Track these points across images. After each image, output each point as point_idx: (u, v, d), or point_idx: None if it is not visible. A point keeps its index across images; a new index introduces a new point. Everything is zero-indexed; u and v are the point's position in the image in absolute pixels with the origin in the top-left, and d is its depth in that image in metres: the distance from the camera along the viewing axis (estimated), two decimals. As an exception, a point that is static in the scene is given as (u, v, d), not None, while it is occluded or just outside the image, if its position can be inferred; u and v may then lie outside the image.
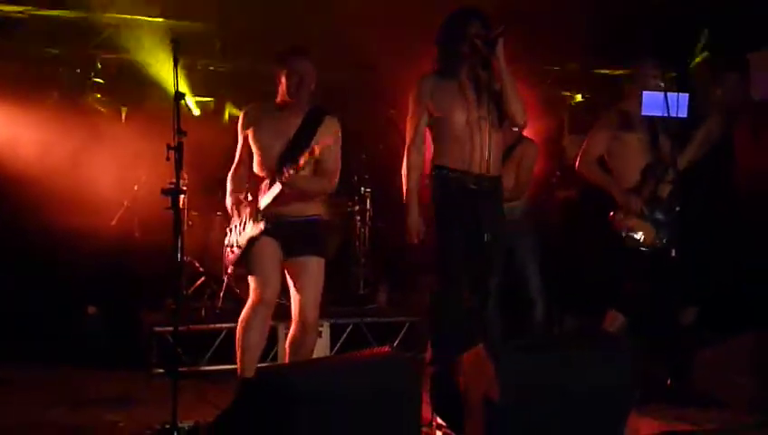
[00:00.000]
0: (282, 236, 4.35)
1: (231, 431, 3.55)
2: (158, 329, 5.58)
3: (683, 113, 4.96)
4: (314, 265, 4.47)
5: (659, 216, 5.00)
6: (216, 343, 5.71)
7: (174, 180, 3.94)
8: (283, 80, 4.36)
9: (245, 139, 4.45)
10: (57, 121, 6.57)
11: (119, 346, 5.94)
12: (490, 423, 3.55)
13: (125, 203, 6.57)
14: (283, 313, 6.00)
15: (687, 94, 4.99)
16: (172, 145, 3.89)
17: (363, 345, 6.00)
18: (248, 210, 4.37)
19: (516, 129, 5.04)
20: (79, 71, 7.03)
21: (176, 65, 3.97)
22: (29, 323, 5.97)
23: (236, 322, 5.53)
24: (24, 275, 6.31)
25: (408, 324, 6.21)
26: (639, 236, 4.98)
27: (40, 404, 4.67)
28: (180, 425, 3.86)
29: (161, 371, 5.43)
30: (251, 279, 4.39)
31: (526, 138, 5.89)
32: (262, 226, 4.28)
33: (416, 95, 4.38)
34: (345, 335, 6.05)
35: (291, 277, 4.44)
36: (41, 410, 4.55)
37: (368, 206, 6.87)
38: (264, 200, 4.29)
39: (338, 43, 6.45)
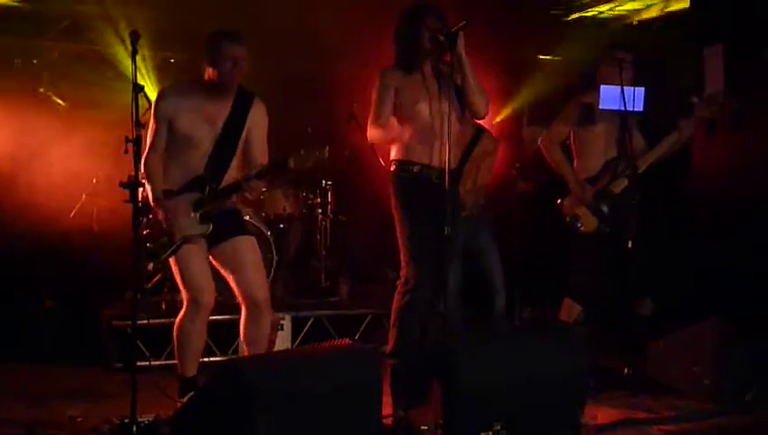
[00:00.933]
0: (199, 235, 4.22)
1: (190, 427, 3.54)
2: (116, 323, 5.53)
3: (639, 107, 5.04)
4: (246, 243, 4.33)
5: (605, 208, 5.08)
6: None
7: (133, 173, 3.89)
8: (214, 64, 4.11)
9: (165, 125, 4.18)
10: (14, 113, 6.48)
11: (77, 341, 5.88)
12: (450, 414, 3.60)
13: (83, 196, 6.50)
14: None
15: (643, 88, 5.06)
16: (131, 138, 3.83)
17: (325, 338, 5.99)
18: (181, 206, 4.15)
19: (476, 120, 5.06)
20: (35, 61, 6.95)
21: (134, 57, 3.91)
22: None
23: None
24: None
25: (369, 317, 6.22)
26: (580, 224, 5.11)
27: (-1, 399, 4.62)
28: (140, 420, 3.83)
29: (120, 365, 5.39)
30: (182, 284, 4.23)
31: (485, 131, 5.93)
32: (209, 227, 4.17)
33: (381, 84, 4.35)
34: (307, 328, 6.04)
35: (223, 264, 4.27)
36: (0, 405, 4.49)
37: (329, 199, 6.86)
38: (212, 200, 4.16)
39: (300, 32, 6.45)
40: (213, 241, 4.24)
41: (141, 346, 5.38)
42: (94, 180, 6.47)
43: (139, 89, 3.91)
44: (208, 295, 4.24)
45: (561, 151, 5.24)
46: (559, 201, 5.22)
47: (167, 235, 4.15)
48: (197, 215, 4.16)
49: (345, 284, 6.65)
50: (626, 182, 5.08)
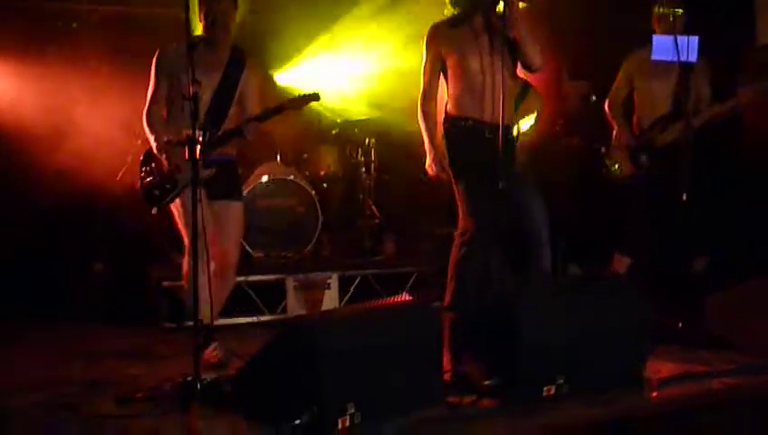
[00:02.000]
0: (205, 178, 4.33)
1: (253, 385, 3.55)
2: (166, 284, 5.56)
3: (693, 57, 4.94)
4: (236, 211, 4.59)
5: (644, 158, 5.25)
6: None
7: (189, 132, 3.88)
8: (203, 19, 4.43)
9: (166, 79, 4.44)
10: (58, 78, 6.47)
11: (127, 302, 5.94)
12: (515, 370, 3.59)
13: (129, 159, 6.50)
14: (291, 264, 6.07)
15: (697, 37, 4.96)
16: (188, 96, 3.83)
17: (372, 297, 5.99)
18: (183, 152, 4.10)
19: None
20: (76, 25, 6.93)
21: (187, 12, 3.88)
22: (37, 281, 5.97)
23: (245, 275, 5.63)
24: (29, 234, 6.28)
25: (415, 275, 6.22)
26: (616, 166, 5.31)
27: (55, 361, 4.66)
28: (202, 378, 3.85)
29: (172, 325, 5.43)
30: (183, 228, 4.41)
31: (531, 87, 5.86)
32: (211, 171, 4.34)
33: (427, 43, 4.36)
34: (353, 288, 6.06)
35: (206, 219, 4.30)
36: (57, 367, 4.53)
37: (372, 157, 6.82)
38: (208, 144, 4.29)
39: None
40: (209, 195, 4.37)
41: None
42: (139, 142, 6.46)
43: (192, 46, 3.88)
44: (208, 240, 4.27)
45: (620, 110, 5.47)
46: (603, 149, 5.31)
47: (170, 181, 4.35)
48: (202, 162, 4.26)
49: (390, 242, 6.64)
50: (672, 137, 5.14)
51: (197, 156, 3.93)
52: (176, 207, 4.43)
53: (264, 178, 6.25)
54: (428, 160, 4.43)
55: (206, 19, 4.43)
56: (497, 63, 4.20)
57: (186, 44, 3.89)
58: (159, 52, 4.48)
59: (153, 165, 4.44)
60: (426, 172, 4.46)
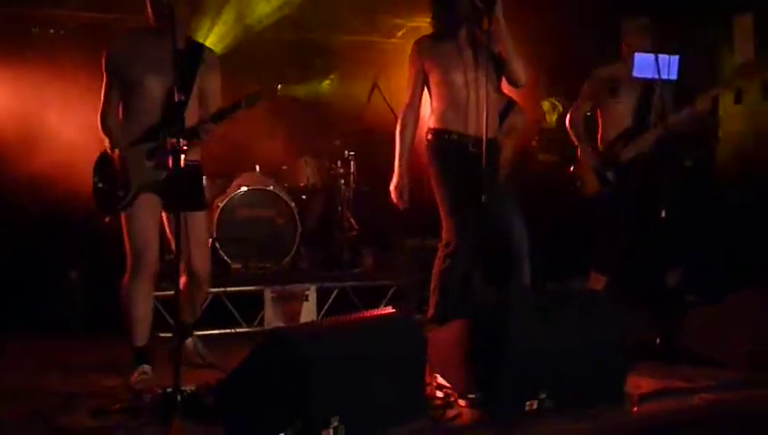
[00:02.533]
0: (161, 184, 4.10)
1: (235, 395, 3.51)
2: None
3: (673, 75, 5.02)
4: (200, 220, 4.32)
5: (609, 175, 5.23)
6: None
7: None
8: (149, 7, 4.12)
9: (116, 75, 4.15)
10: (35, 84, 6.43)
11: (103, 312, 5.84)
12: (493, 383, 3.58)
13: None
14: (270, 276, 6.02)
15: (678, 57, 5.02)
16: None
17: (350, 309, 5.98)
18: (136, 155, 4.07)
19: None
20: (53, 31, 6.86)
21: (173, 29, 3.79)
22: (12, 290, 5.86)
23: (222, 286, 5.59)
24: (4, 242, 6.18)
25: (394, 287, 6.20)
26: (579, 184, 5.34)
27: (29, 371, 4.57)
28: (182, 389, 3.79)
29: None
30: (127, 239, 4.14)
31: (515, 104, 5.88)
32: (163, 174, 4.04)
33: (412, 57, 4.37)
34: (331, 300, 6.03)
35: (172, 232, 4.15)
36: (31, 378, 4.44)
37: (352, 169, 6.81)
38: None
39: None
40: (170, 204, 4.14)
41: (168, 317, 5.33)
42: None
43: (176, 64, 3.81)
44: (152, 254, 4.15)
45: (582, 127, 5.42)
46: (571, 168, 5.33)
47: (122, 187, 4.09)
48: (153, 163, 4.08)
49: (369, 254, 6.63)
50: (633, 152, 5.17)
51: (170, 163, 3.78)
52: (124, 215, 4.15)
53: (243, 189, 6.23)
54: (393, 183, 4.42)
55: (152, 6, 4.11)
56: (481, 78, 4.23)
57: (173, 51, 3.77)
58: (107, 47, 4.18)
59: (107, 169, 4.16)
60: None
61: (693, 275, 5.58)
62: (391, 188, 4.44)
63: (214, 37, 6.90)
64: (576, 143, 5.41)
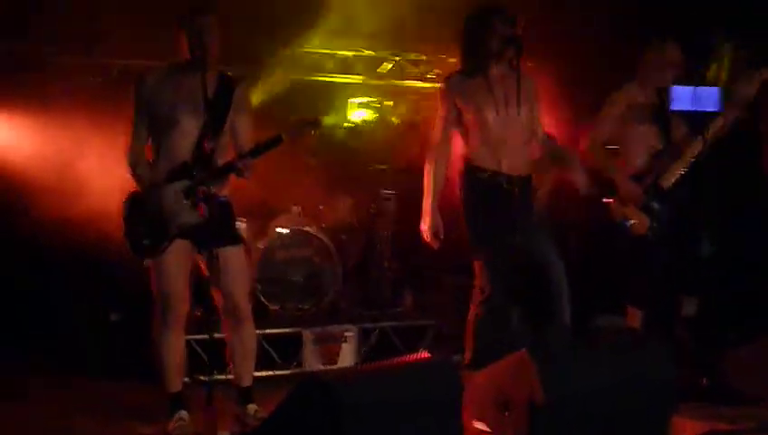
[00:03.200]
0: (195, 228, 3.97)
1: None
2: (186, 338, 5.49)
3: (713, 107, 4.90)
4: (236, 255, 4.18)
5: (656, 205, 4.94)
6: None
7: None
8: (186, 39, 4.04)
9: (145, 110, 4.09)
10: (74, 131, 6.49)
11: (143, 355, 5.87)
12: (534, 428, 3.50)
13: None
14: (308, 317, 6.00)
15: (717, 88, 4.92)
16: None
17: (390, 349, 5.94)
18: (172, 195, 3.99)
19: None
20: (94, 79, 6.97)
21: (204, 76, 3.86)
22: (50, 331, 5.94)
23: (261, 328, 5.56)
24: (42, 285, 6.26)
25: (434, 327, 6.14)
26: (631, 223, 4.94)
27: (65, 415, 4.59)
28: (218, 435, 3.79)
29: (188, 380, 5.35)
30: (155, 286, 4.09)
31: (550, 137, 5.82)
32: (205, 215, 3.88)
33: (443, 95, 4.36)
34: (371, 341, 5.99)
35: (210, 271, 4.05)
36: (67, 422, 4.47)
37: (391, 208, 6.79)
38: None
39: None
40: (200, 244, 4.05)
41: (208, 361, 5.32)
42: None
43: (208, 102, 3.86)
44: (180, 303, 4.10)
45: (604, 152, 5.09)
46: (606, 201, 5.08)
47: (160, 227, 4.02)
48: (189, 202, 3.98)
49: (409, 294, 6.58)
50: (675, 176, 4.93)
51: (202, 210, 3.81)
52: (153, 263, 4.08)
53: (282, 230, 6.24)
54: (425, 223, 4.34)
55: (187, 40, 4.04)
56: (513, 115, 4.19)
57: (203, 97, 3.80)
58: (137, 81, 4.14)
59: (140, 211, 4.08)
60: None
61: (733, 310, 5.43)
62: (424, 228, 4.38)
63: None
64: (606, 173, 5.04)
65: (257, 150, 4.05)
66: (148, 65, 6.68)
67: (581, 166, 4.49)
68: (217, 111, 4.05)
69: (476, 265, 4.21)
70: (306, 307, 6.11)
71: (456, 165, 4.41)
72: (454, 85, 4.33)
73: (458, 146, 4.46)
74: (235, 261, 4.16)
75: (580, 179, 4.36)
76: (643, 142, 5.00)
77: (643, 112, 4.98)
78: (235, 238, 4.25)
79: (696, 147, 4.87)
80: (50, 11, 5.99)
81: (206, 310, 4.91)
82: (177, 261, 4.07)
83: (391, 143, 7.21)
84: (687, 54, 5.00)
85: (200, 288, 4.47)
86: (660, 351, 3.90)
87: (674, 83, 4.89)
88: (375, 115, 7.42)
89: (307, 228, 6.34)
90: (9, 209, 6.29)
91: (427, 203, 4.35)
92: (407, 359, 3.69)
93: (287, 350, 5.74)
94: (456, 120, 4.32)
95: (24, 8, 6.01)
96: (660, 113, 4.95)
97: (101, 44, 6.50)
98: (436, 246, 4.38)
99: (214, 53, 4.05)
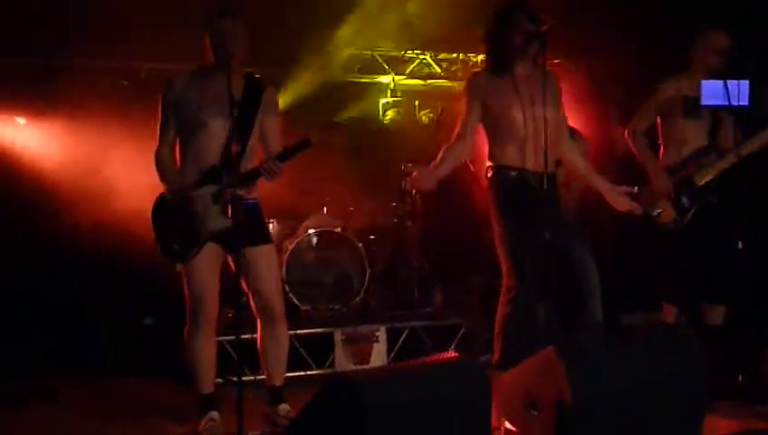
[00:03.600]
0: (226, 231, 3.97)
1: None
2: (218, 338, 5.53)
3: (744, 102, 4.81)
4: (267, 254, 4.16)
5: (685, 200, 4.88)
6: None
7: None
8: (210, 41, 4.04)
9: (173, 114, 4.09)
10: (105, 135, 6.61)
11: (176, 357, 5.92)
12: (562, 428, 3.46)
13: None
14: (339, 317, 6.02)
15: (748, 81, 4.83)
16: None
17: (420, 349, 5.96)
18: (202, 200, 3.99)
19: None
20: (126, 83, 7.07)
21: (229, 78, 3.84)
22: (83, 334, 6.02)
23: (292, 329, 5.56)
24: (80, 285, 6.35)
25: (464, 326, 6.13)
26: (656, 212, 4.86)
27: (101, 417, 4.65)
28: (247, 435, 3.79)
29: (220, 380, 5.38)
30: (187, 290, 4.10)
31: (575, 132, 5.77)
32: (234, 216, 3.85)
33: (469, 93, 4.31)
34: (402, 339, 5.99)
35: (241, 272, 4.01)
36: (102, 424, 4.53)
37: (419, 208, 6.79)
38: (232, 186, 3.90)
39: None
40: (229, 246, 4.05)
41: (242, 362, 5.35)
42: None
43: (234, 104, 3.86)
44: (210, 306, 4.10)
45: (644, 141, 5.06)
46: (636, 189, 5.02)
47: (191, 233, 4.01)
48: (219, 207, 3.98)
49: (438, 293, 6.59)
50: (711, 175, 4.85)
51: (229, 210, 3.80)
52: (184, 267, 4.09)
53: (311, 231, 6.28)
54: (416, 173, 4.21)
55: (211, 42, 4.04)
56: (539, 113, 4.16)
57: (230, 100, 3.79)
58: (166, 86, 4.13)
59: (169, 215, 4.08)
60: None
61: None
62: (413, 175, 4.22)
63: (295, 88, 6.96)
64: (642, 162, 5.03)
65: (285, 154, 4.03)
66: (174, 69, 6.84)
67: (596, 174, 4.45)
68: (245, 114, 4.04)
69: (504, 263, 4.18)
70: (337, 307, 6.13)
71: (483, 165, 4.38)
72: (479, 83, 4.30)
73: (482, 144, 4.42)
74: (265, 260, 4.15)
75: (601, 187, 4.32)
76: (683, 135, 4.94)
77: (686, 105, 4.90)
78: (265, 238, 4.22)
79: (731, 159, 4.79)
80: (76, 16, 6.05)
81: (236, 311, 4.94)
82: (208, 265, 4.08)
83: (421, 143, 7.19)
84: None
85: (231, 289, 4.49)
86: (692, 348, 3.84)
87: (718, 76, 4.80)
88: (404, 115, 7.41)
89: (338, 229, 6.36)
90: (43, 215, 6.39)
91: (432, 165, 4.22)
92: (434, 359, 3.67)
93: (319, 350, 5.76)
94: (480, 116, 4.29)
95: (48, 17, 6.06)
96: (704, 107, 4.85)
97: (128, 46, 6.56)
98: (413, 188, 4.24)
99: (238, 56, 4.03)
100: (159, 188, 4.23)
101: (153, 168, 4.23)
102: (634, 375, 3.56)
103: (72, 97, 6.71)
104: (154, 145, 4.23)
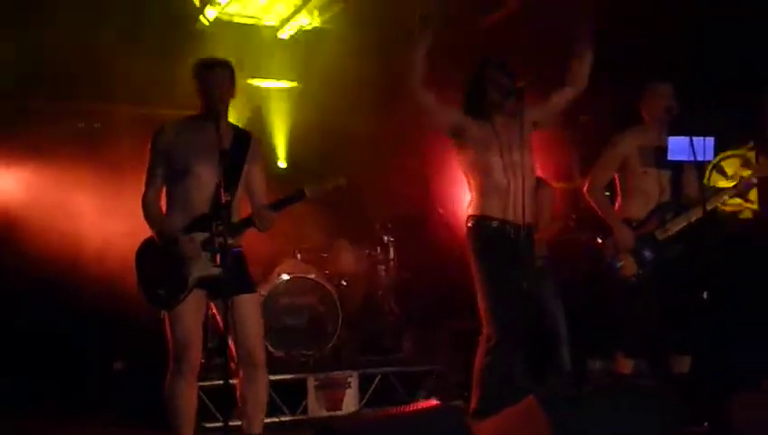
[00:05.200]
0: (213, 278, 3.98)
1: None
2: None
3: (709, 157, 4.99)
4: (251, 302, 4.17)
5: (647, 254, 4.95)
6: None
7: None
8: (199, 93, 4.10)
9: (162, 160, 4.11)
10: (79, 178, 6.61)
11: (147, 403, 5.88)
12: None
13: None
14: (312, 363, 6.04)
15: (713, 138, 5.00)
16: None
17: (392, 395, 5.99)
18: (192, 246, 3.98)
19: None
20: (98, 125, 7.10)
21: (218, 125, 3.94)
22: (52, 380, 5.96)
23: (268, 374, 5.57)
24: (53, 333, 6.30)
25: (435, 373, 6.19)
26: (619, 265, 4.96)
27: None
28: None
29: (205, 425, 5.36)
30: (170, 337, 4.08)
31: (542, 181, 5.90)
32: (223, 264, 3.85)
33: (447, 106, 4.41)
34: (374, 386, 6.02)
35: (224, 319, 3.92)
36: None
37: (391, 255, 6.88)
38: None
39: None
40: (214, 293, 4.06)
41: (212, 408, 5.35)
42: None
43: (224, 153, 3.92)
44: (194, 353, 4.10)
45: (604, 194, 5.13)
46: (600, 241, 5.11)
47: (179, 277, 4.01)
48: (209, 254, 3.99)
49: (410, 339, 6.64)
50: (674, 230, 4.94)
51: (218, 258, 3.83)
52: (168, 314, 4.05)
53: (284, 277, 6.31)
54: None
55: (200, 94, 4.09)
56: (517, 161, 4.28)
57: (219, 151, 3.82)
58: (157, 131, 4.15)
59: (156, 258, 4.06)
60: None
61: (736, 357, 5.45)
62: None
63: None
64: (604, 216, 5.04)
65: (279, 204, 4.10)
66: (151, 113, 6.88)
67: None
68: (233, 163, 4.07)
69: (483, 313, 4.26)
70: (309, 353, 6.16)
71: (462, 217, 4.47)
72: (459, 113, 4.40)
73: (456, 189, 4.51)
74: (249, 308, 4.15)
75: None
76: (642, 187, 5.01)
77: (646, 158, 4.99)
78: (250, 286, 4.23)
79: (696, 214, 4.87)
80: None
81: (207, 356, 4.94)
82: (193, 311, 4.08)
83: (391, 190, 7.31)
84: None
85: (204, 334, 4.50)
86: (663, 400, 3.93)
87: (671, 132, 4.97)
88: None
89: (310, 275, 6.40)
90: (21, 255, 6.35)
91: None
92: (415, 406, 3.73)
93: (292, 396, 5.77)
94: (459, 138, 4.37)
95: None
96: (665, 159, 4.96)
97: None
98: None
99: (222, 105, 4.10)
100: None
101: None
102: (613, 425, 3.64)
103: (42, 139, 6.71)
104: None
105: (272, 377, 5.58)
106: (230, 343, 4.13)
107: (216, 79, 4.09)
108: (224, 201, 3.89)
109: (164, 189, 4.19)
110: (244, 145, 4.21)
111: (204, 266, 4.02)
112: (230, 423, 4.55)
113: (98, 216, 6.55)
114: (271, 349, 6.03)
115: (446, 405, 3.68)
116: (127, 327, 6.41)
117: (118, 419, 5.66)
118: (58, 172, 6.69)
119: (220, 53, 4.48)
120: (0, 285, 6.29)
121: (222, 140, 3.92)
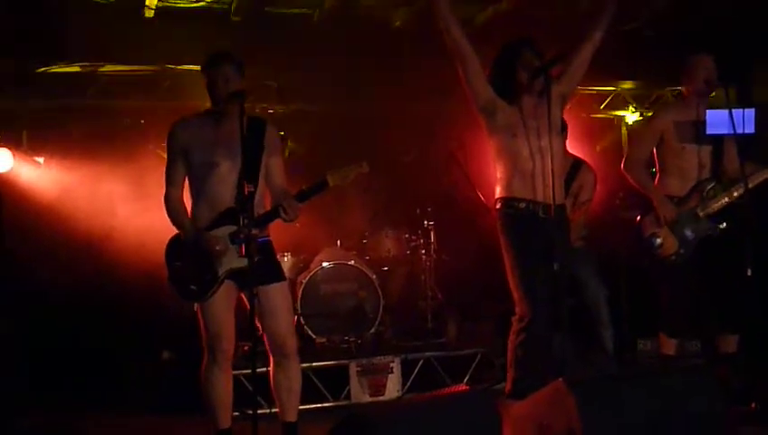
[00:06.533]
0: (242, 270, 4.02)
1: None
2: (233, 372, 5.59)
3: (750, 129, 4.85)
4: (279, 292, 4.21)
5: (688, 233, 4.88)
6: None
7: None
8: (208, 90, 4.17)
9: (181, 157, 4.16)
10: (126, 170, 6.71)
11: (194, 391, 5.98)
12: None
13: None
14: (354, 349, 6.07)
15: (753, 109, 4.88)
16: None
17: (435, 379, 5.99)
18: (220, 239, 4.03)
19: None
20: (143, 121, 7.19)
21: (241, 116, 3.96)
22: (102, 370, 6.09)
23: (308, 361, 5.64)
24: (98, 321, 6.43)
25: (479, 356, 6.16)
26: (658, 243, 4.89)
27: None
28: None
29: (236, 413, 5.42)
30: (202, 328, 4.16)
31: (584, 163, 5.83)
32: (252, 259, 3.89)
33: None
34: (417, 370, 6.02)
35: (253, 309, 3.95)
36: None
37: (432, 239, 6.85)
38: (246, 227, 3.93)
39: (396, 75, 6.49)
40: (242, 283, 4.11)
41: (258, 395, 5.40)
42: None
43: (243, 145, 3.94)
44: (227, 343, 4.16)
45: (644, 170, 5.06)
46: (639, 217, 5.03)
47: (209, 271, 4.07)
48: (237, 247, 4.04)
49: (452, 323, 6.62)
50: (716, 207, 4.88)
51: (242, 251, 3.90)
52: (200, 305, 4.15)
53: (326, 264, 6.35)
54: None
55: (209, 90, 4.17)
56: (546, 144, 4.22)
57: (240, 141, 3.89)
58: (172, 129, 4.20)
59: (185, 255, 4.13)
60: None
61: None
62: None
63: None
64: (645, 192, 5.00)
65: (304, 195, 4.10)
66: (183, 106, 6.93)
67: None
68: (252, 160, 4.09)
69: (515, 292, 4.24)
70: (352, 339, 6.18)
71: (492, 199, 4.44)
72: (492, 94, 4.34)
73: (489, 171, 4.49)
74: (279, 298, 4.20)
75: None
76: (680, 162, 4.95)
77: (683, 133, 4.92)
78: (278, 275, 4.26)
79: (738, 190, 4.80)
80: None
81: (252, 344, 4.98)
82: (224, 303, 4.15)
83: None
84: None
85: (246, 323, 4.55)
86: (707, 380, 3.83)
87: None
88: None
89: (351, 262, 6.43)
90: (64, 253, 6.48)
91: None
92: (445, 392, 3.72)
93: (335, 382, 5.81)
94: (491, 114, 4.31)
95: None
96: (704, 134, 4.88)
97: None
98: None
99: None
100: (169, 227, 4.28)
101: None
102: (645, 407, 3.57)
103: (79, 137, 6.84)
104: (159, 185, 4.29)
105: (314, 364, 5.74)
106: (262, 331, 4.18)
107: (223, 76, 4.12)
108: (246, 193, 3.92)
109: (186, 186, 4.25)
110: (260, 134, 4.23)
111: (233, 259, 4.08)
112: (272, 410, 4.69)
113: (151, 207, 6.65)
114: (313, 335, 6.10)
115: (474, 389, 3.66)
116: (172, 316, 6.56)
117: (164, 408, 5.73)
118: (102, 169, 6.80)
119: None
120: (47, 281, 6.41)
121: (239, 132, 3.94)
